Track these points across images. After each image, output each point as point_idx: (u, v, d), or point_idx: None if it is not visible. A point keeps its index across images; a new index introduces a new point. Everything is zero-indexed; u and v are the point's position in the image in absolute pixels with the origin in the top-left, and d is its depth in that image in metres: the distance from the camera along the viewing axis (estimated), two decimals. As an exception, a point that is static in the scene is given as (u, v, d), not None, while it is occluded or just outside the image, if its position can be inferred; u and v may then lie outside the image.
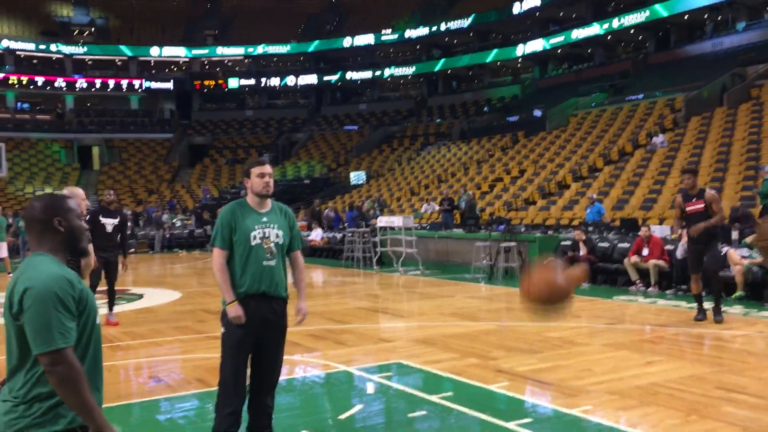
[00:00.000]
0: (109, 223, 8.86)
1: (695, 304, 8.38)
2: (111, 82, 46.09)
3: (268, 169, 4.14)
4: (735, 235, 11.84)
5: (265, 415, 4.15)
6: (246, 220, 4.01)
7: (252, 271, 3.97)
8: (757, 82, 25.08)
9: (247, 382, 4.11)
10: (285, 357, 6.89)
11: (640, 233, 11.78)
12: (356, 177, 34.81)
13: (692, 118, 23.93)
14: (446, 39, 43.24)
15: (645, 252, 11.36)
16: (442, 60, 43.35)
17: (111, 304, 9.20)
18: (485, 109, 39.93)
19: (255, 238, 3.98)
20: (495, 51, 40.76)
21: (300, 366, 6.62)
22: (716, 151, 20.13)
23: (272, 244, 4.00)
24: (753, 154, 18.86)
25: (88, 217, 8.84)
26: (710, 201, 7.85)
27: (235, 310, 3.94)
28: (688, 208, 7.95)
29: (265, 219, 4.06)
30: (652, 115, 26.47)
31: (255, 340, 4.05)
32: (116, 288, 9.34)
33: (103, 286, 9.22)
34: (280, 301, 4.10)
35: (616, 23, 33.91)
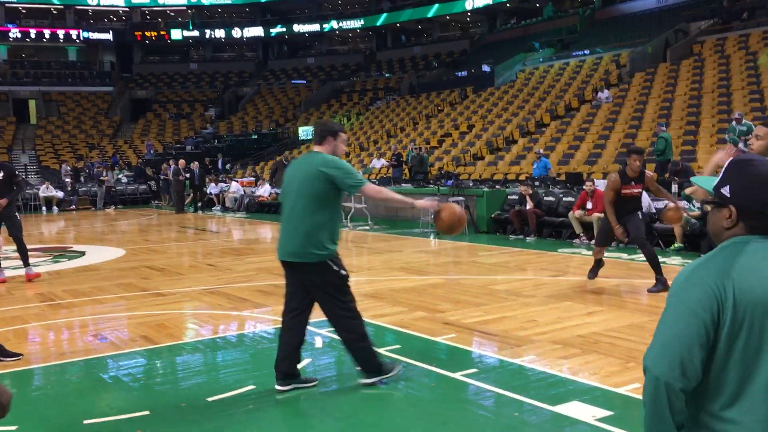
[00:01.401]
0: None
1: (636, 256, 8.60)
2: (47, 32, 44.13)
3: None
4: (675, 188, 12.16)
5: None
6: None
7: None
8: (699, 38, 25.56)
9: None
10: (233, 313, 6.88)
11: (584, 187, 12.00)
12: (304, 132, 34.41)
13: (636, 74, 24.30)
14: (395, -9, 42.68)
15: (589, 205, 11.59)
16: (389, 13, 42.84)
17: (24, 258, 8.96)
18: (434, 64, 39.75)
19: None
20: (441, 5, 40.48)
21: (249, 322, 6.58)
22: (659, 106, 20.54)
23: None
24: (694, 109, 19.32)
25: None
26: (649, 184, 7.38)
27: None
28: (624, 191, 7.30)
29: None
30: (598, 71, 26.78)
31: None
32: (56, 246, 9.11)
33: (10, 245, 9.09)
34: None
35: (564, -22, 33.94)
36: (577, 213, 11.76)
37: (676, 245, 10.25)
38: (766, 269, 1.58)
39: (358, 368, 4.50)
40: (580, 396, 4.18)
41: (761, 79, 19.73)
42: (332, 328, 5.12)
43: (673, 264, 9.10)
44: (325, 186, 4.23)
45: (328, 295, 4.36)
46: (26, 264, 9.00)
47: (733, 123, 13.39)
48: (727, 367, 1.57)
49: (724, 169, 1.73)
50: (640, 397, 4.10)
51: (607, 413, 3.88)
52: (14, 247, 9.13)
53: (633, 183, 7.30)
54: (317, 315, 6.62)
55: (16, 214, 8.91)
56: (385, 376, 4.48)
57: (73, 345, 5.93)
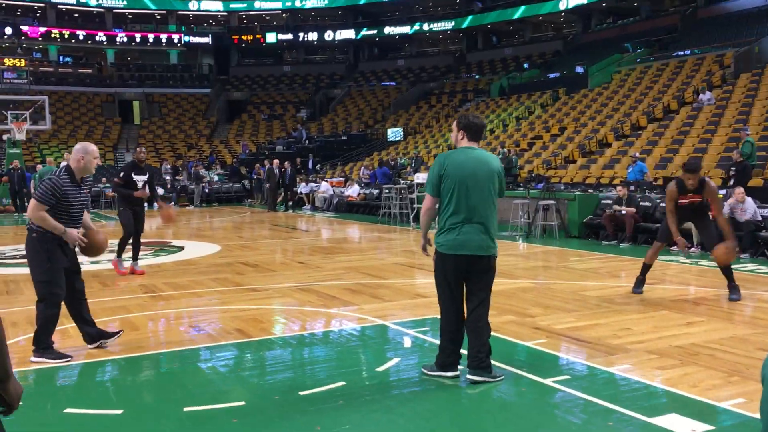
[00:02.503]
0: (140, 179, 9.29)
1: (738, 266, 8.20)
2: (150, 37, 46.31)
3: (452, 125, 4.73)
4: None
5: None
6: None
7: None
8: (812, 37, 24.06)
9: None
10: (322, 310, 7.01)
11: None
12: (393, 133, 34.63)
13: (741, 75, 23.13)
14: (486, -8, 42.31)
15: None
16: (475, 15, 42.51)
17: (136, 254, 9.55)
18: (525, 65, 39.15)
19: None
20: (528, 6, 39.89)
21: (336, 319, 6.68)
22: (765, 108, 19.47)
23: None
24: (805, 112, 18.20)
25: (122, 173, 9.32)
26: (708, 195, 7.13)
27: None
28: (681, 200, 7.18)
29: None
30: (699, 72, 25.66)
31: None
32: (156, 240, 9.64)
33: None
34: None
35: (664, -25, 32.72)
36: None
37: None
38: None
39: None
40: (678, 409, 4.01)
41: None
42: (426, 328, 5.12)
43: (762, 272, 8.60)
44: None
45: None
46: (135, 258, 9.55)
47: None
48: None
49: None
50: (744, 412, 3.92)
51: (708, 427, 3.72)
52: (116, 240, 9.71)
53: (691, 194, 7.18)
54: (401, 316, 6.67)
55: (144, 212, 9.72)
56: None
57: (173, 335, 6.19)
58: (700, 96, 22.40)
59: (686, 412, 3.96)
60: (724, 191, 11.97)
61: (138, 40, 46.07)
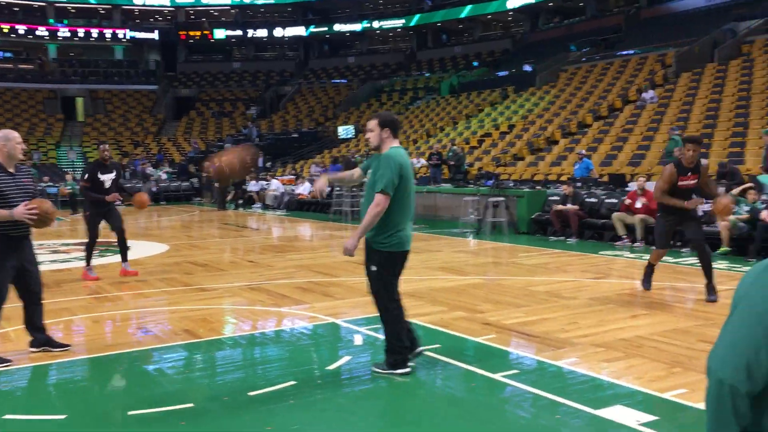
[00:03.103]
0: (107, 178, 8.80)
1: (681, 259, 8.42)
2: (94, 32, 45.16)
3: (368, 125, 4.62)
4: (722, 190, 11.88)
5: None
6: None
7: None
8: (748, 38, 24.93)
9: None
10: (273, 309, 6.94)
11: (635, 186, 11.82)
12: (344, 131, 34.56)
13: (683, 74, 23.82)
14: (436, -10, 42.57)
15: (639, 204, 11.37)
16: (422, 14, 42.74)
17: (124, 254, 9.07)
18: (475, 63, 39.53)
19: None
20: (474, 5, 40.37)
21: (288, 318, 6.63)
22: (705, 107, 20.10)
23: (366, 187, 4.64)
24: (742, 110, 18.86)
25: (86, 175, 8.82)
26: (703, 174, 6.93)
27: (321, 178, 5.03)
28: (681, 183, 6.85)
29: (373, 164, 4.61)
30: (642, 71, 26.33)
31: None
32: (101, 240, 9.34)
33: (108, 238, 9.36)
34: (366, 240, 4.66)
35: (608, -24, 33.45)
36: (620, 215, 11.58)
37: (722, 249, 10.01)
38: None
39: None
40: (623, 400, 4.11)
41: (814, 79, 19.17)
42: (378, 326, 5.13)
43: (719, 268, 8.89)
44: None
45: None
46: (125, 259, 9.07)
47: None
48: None
49: None
50: (686, 402, 4.03)
51: (651, 418, 3.81)
52: (74, 241, 9.37)
53: (690, 174, 6.85)
54: (353, 314, 6.66)
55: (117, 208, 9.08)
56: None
57: (119, 337, 6.06)
58: (643, 94, 22.99)
59: (631, 403, 4.05)
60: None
61: (81, 35, 44.86)
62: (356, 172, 4.87)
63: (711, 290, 6.91)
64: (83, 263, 9.04)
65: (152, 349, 5.52)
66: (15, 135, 5.20)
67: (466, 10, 40.86)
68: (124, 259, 9.06)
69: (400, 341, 4.67)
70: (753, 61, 22.54)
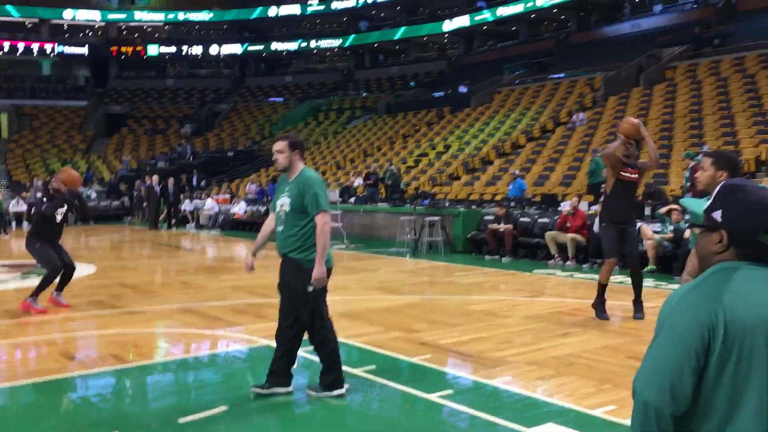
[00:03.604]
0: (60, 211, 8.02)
1: (612, 277, 8.61)
2: (21, 46, 43.63)
3: (274, 147, 4.59)
4: (647, 211, 12.31)
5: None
6: (278, 190, 4.63)
7: (276, 234, 4.63)
8: (672, 63, 26.05)
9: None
10: (206, 331, 6.77)
11: (568, 205, 12.12)
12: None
13: (610, 98, 24.66)
14: (373, 12, 42.97)
15: (568, 224, 11.69)
16: (381, 31, 43.10)
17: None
18: (412, 83, 40.00)
19: (277, 206, 4.57)
20: (407, 27, 41.17)
21: (222, 341, 6.49)
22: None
23: (282, 212, 4.51)
24: (667, 133, 19.63)
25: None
26: (644, 171, 7.08)
27: (246, 259, 4.91)
28: (623, 173, 6.92)
29: (286, 188, 4.54)
30: (573, 94, 27.14)
31: (284, 290, 4.67)
32: (25, 262, 8.91)
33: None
34: (287, 260, 4.57)
35: (539, 1, 34.48)
36: (552, 234, 11.85)
37: (649, 267, 10.35)
38: (757, 296, 1.59)
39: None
40: (555, 418, 4.16)
41: (731, 105, 20.15)
42: (308, 347, 5.07)
43: (646, 286, 9.16)
44: None
45: None
46: (60, 290, 8.21)
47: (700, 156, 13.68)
48: (717, 392, 1.57)
49: (715, 192, 1.73)
50: (615, 419, 4.11)
51: (582, 436, 3.87)
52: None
53: (630, 168, 6.95)
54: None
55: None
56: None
57: (41, 364, 5.79)
58: (574, 116, 23.69)
59: (563, 420, 4.11)
60: (594, 207, 12.66)
61: (6, 48, 43.26)
62: (271, 222, 4.71)
63: (639, 308, 7.10)
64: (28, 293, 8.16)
65: (77, 376, 5.30)
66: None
67: (401, 32, 41.42)
68: (60, 289, 8.18)
69: (338, 360, 4.63)
70: (676, 86, 23.55)
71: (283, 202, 4.49)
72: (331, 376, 4.63)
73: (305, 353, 5.84)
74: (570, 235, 11.57)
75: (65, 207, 8.04)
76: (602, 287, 7.07)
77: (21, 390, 5.00)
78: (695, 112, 20.57)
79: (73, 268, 8.14)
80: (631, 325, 6.83)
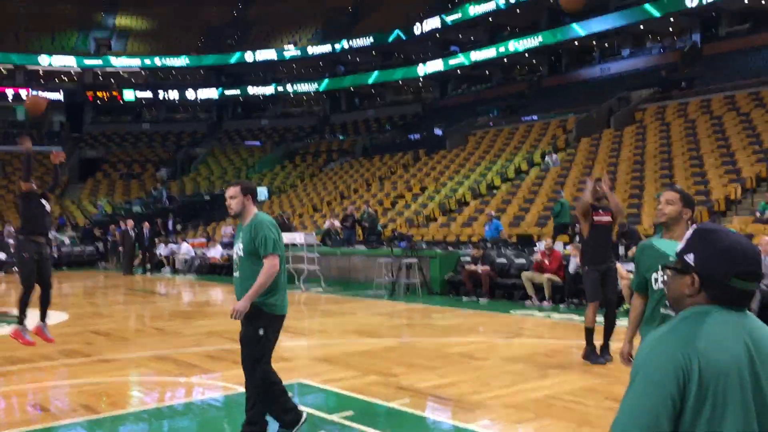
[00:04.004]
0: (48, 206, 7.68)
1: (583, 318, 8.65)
2: (-6, 91, 43.48)
3: (227, 192, 4.57)
4: (621, 250, 12.44)
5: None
6: (236, 239, 4.62)
7: (234, 281, 4.58)
8: (641, 105, 26.67)
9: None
10: (181, 379, 6.66)
11: (542, 247, 12.21)
12: (259, 193, 34.29)
13: (582, 139, 25.11)
14: (349, 57, 43.58)
15: (547, 262, 11.76)
16: (354, 75, 43.62)
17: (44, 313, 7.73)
18: (387, 126, 40.41)
19: (234, 253, 4.58)
20: (380, 72, 41.96)
21: (198, 388, 6.38)
22: (604, 170, 21.17)
23: (237, 257, 4.53)
24: (638, 174, 19.99)
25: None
26: (617, 213, 7.09)
27: None
28: (595, 218, 7.00)
29: (240, 234, 4.55)
30: (546, 135, 27.60)
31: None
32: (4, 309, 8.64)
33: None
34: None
35: (511, 47, 35.26)
36: (528, 274, 11.90)
37: (625, 306, 10.41)
38: (730, 340, 1.61)
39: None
40: (535, 462, 4.13)
41: (700, 145, 20.62)
42: (290, 394, 5.04)
43: (621, 325, 9.20)
44: None
45: None
46: (43, 318, 7.80)
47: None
48: None
49: (689, 236, 1.77)
50: (594, 461, 4.09)
51: (562, 479, 3.84)
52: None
53: (601, 211, 7.02)
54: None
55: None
56: None
57: (9, 415, 5.64)
58: (547, 158, 24.05)
59: (542, 464, 4.08)
60: (569, 247, 12.78)
61: (-20, 94, 43.09)
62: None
63: (606, 351, 7.03)
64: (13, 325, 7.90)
65: (46, 428, 5.16)
66: None
67: (375, 76, 42.04)
68: (43, 317, 7.72)
69: (265, 412, 4.54)
70: (645, 127, 24.07)
71: (238, 249, 4.50)
72: (290, 416, 4.57)
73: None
74: (546, 275, 11.64)
75: (46, 202, 7.71)
76: (589, 332, 7.04)
77: (-12, 443, 4.85)
78: (665, 152, 21.02)
79: (48, 287, 7.75)
80: (608, 366, 6.84)
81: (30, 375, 7.06)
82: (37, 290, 7.73)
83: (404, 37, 39.79)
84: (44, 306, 7.81)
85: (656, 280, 3.34)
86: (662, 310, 3.29)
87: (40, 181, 38.59)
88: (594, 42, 34.00)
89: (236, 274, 4.52)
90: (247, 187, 4.58)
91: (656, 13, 29.25)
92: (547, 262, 11.79)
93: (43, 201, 7.75)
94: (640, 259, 3.44)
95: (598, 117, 26.65)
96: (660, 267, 3.32)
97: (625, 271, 10.49)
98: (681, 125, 22.95)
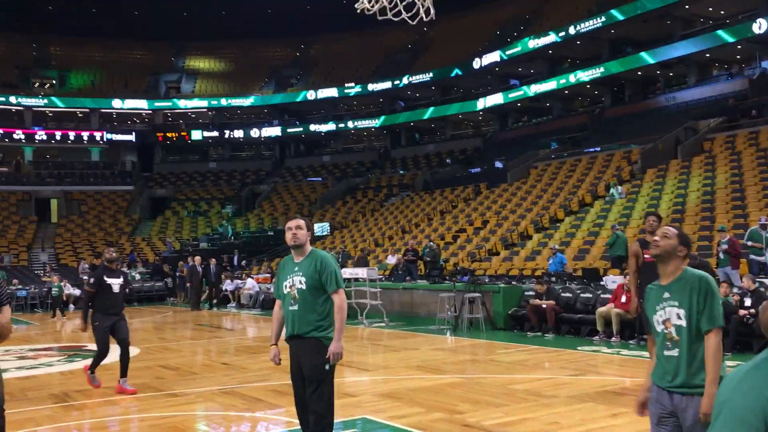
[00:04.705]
0: (115, 282, 8.14)
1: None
2: (72, 134, 45.68)
3: (293, 222, 4.57)
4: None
5: None
6: (283, 272, 4.58)
7: (286, 317, 4.52)
8: (709, 135, 25.94)
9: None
10: (247, 414, 6.74)
11: (619, 280, 11.95)
12: (320, 228, 34.73)
13: (648, 170, 24.56)
14: (408, 92, 44.04)
15: (624, 299, 11.36)
16: (410, 112, 44.06)
17: (125, 369, 8.14)
18: (448, 160, 40.46)
19: (285, 287, 4.52)
20: (435, 108, 42.21)
21: (262, 423, 6.44)
22: (672, 201, 20.63)
23: (295, 291, 4.44)
24: (708, 205, 19.37)
25: (92, 279, 8.20)
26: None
27: (271, 351, 4.70)
28: (646, 256, 6.99)
29: (296, 268, 4.49)
30: (609, 167, 27.11)
31: (303, 379, 4.47)
32: (71, 344, 9.03)
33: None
34: (305, 341, 4.43)
35: (572, 78, 34.97)
36: (604, 309, 11.56)
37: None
38: None
39: None
40: (607, 504, 4.00)
41: (774, 174, 19.87)
42: (356, 430, 5.02)
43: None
44: None
45: None
46: (124, 375, 8.14)
47: (758, 228, 13.61)
48: None
49: None
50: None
51: None
52: (42, 346, 8.96)
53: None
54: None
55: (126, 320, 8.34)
56: None
57: (85, 448, 5.81)
58: (612, 190, 23.59)
59: (616, 507, 3.94)
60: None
61: (58, 137, 45.32)
62: (279, 313, 4.64)
63: None
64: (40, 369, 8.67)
65: (120, 460, 5.30)
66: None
67: (429, 112, 42.37)
68: (123, 374, 8.09)
69: None
70: (715, 157, 23.38)
71: (296, 282, 4.44)
72: None
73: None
74: (615, 310, 11.34)
75: (120, 278, 8.19)
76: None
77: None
78: (736, 182, 20.33)
79: (126, 344, 8.14)
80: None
81: (104, 409, 7.26)
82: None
83: (463, 72, 40.00)
84: (124, 364, 8.15)
85: (657, 322, 3.24)
86: (665, 352, 3.18)
87: (113, 219, 39.79)
88: (658, 72, 33.41)
89: (293, 308, 4.44)
90: (309, 224, 4.65)
91: (730, 39, 28.61)
92: (624, 298, 11.44)
93: (109, 279, 8.12)
94: (646, 302, 3.38)
95: (664, 147, 26.04)
96: (656, 309, 3.26)
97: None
98: (752, 154, 22.20)
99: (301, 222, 4.54)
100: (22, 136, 44.29)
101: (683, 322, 3.12)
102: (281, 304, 4.57)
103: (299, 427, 4.42)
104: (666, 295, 3.24)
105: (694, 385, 3.05)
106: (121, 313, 8.19)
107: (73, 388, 8.47)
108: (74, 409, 7.27)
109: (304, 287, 4.40)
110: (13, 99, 44.42)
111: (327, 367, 4.37)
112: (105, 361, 8.21)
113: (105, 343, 8.03)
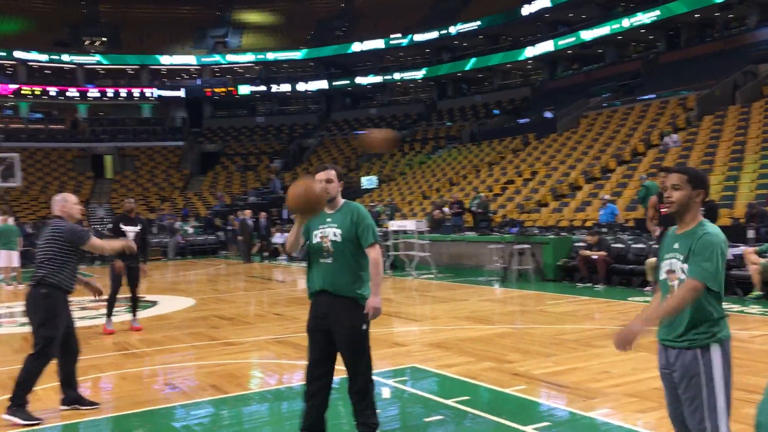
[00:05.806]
0: (131, 230, 9.04)
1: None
2: (123, 91, 46.44)
3: (322, 175, 4.23)
4: (751, 233, 11.72)
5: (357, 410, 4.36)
6: (313, 223, 4.21)
7: (314, 269, 4.22)
8: (770, 79, 24.87)
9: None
10: (299, 362, 6.90)
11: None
12: (368, 181, 34.81)
13: (705, 117, 23.75)
14: (455, 42, 43.23)
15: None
16: (451, 63, 43.36)
17: (134, 310, 9.41)
18: (495, 111, 39.84)
19: (317, 237, 4.19)
20: (478, 59, 41.34)
21: (314, 371, 6.58)
22: (730, 149, 19.97)
23: (329, 243, 4.15)
24: (767, 152, 18.69)
25: (110, 225, 9.10)
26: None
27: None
28: (662, 209, 7.34)
29: (329, 219, 4.20)
30: (664, 115, 26.30)
31: (328, 336, 4.22)
32: (130, 295, 9.39)
33: (125, 293, 9.29)
34: (339, 299, 4.16)
35: (626, 23, 33.77)
36: (653, 260, 11.39)
37: (754, 293, 9.81)
38: None
39: None
40: (659, 452, 3.99)
41: (839, 119, 19.00)
42: (405, 378, 5.07)
43: (752, 313, 8.70)
44: None
45: None
46: (134, 315, 9.42)
47: None
48: None
49: None
50: (724, 454, 3.89)
51: (689, 471, 3.69)
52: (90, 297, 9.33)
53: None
54: (380, 366, 6.59)
55: (139, 268, 9.23)
56: None
57: (146, 394, 6.05)
58: (666, 138, 22.93)
59: (667, 455, 3.93)
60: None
61: (110, 94, 46.15)
62: (299, 238, 4.26)
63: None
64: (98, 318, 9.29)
65: (179, 405, 5.51)
66: (72, 197, 5.64)
67: (479, 61, 41.52)
68: (133, 314, 9.40)
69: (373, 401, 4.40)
70: (776, 102, 22.44)
71: (330, 233, 4.14)
72: (375, 416, 4.37)
73: (396, 383, 5.85)
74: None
75: (138, 226, 9.31)
76: None
77: (126, 420, 5.23)
78: (799, 128, 19.52)
79: (135, 287, 9.31)
80: (738, 356, 6.47)
81: (162, 357, 7.53)
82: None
83: (511, 19, 38.99)
84: (134, 306, 9.45)
85: (662, 270, 3.13)
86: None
87: (166, 174, 40.48)
88: (717, 14, 31.97)
89: (325, 261, 4.15)
90: (341, 174, 4.34)
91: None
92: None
93: (125, 227, 9.16)
94: (660, 248, 3.23)
95: (721, 93, 25.09)
96: (664, 257, 3.12)
97: (755, 255, 9.88)
98: (817, 98, 21.24)
99: (332, 173, 4.21)
100: (76, 94, 45.20)
101: (684, 276, 3.00)
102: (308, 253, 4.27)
103: (345, 374, 4.47)
104: (675, 245, 3.08)
105: (680, 338, 3.01)
106: (136, 258, 8.96)
107: (133, 336, 8.80)
108: (135, 356, 7.56)
109: (339, 239, 4.12)
110: (65, 57, 45.25)
111: (364, 327, 4.20)
112: (151, 314, 8.49)
113: (117, 281, 9.04)
